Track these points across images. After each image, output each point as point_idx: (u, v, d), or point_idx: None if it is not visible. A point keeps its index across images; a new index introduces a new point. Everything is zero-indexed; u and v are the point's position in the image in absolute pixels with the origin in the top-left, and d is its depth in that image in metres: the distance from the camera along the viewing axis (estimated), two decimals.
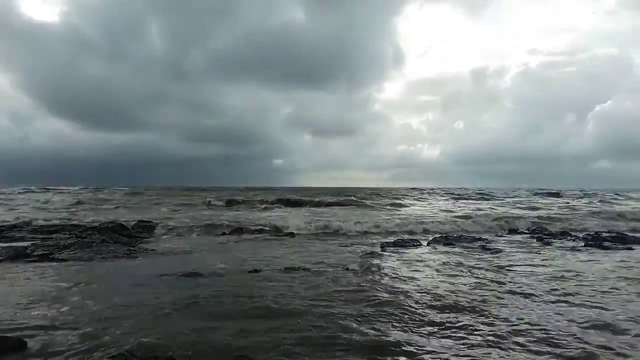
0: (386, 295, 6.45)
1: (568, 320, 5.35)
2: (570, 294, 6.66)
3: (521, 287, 7.14)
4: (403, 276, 7.91)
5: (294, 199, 31.59)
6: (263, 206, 28.07)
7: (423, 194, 47.44)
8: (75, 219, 18.25)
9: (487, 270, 8.59)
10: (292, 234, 14.94)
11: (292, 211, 24.80)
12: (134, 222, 16.28)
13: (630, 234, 14.68)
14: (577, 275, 8.16)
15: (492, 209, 29.94)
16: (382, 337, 4.73)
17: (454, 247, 11.84)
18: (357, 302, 6.09)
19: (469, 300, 6.21)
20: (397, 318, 5.40)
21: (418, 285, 7.15)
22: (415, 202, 36.60)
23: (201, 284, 7.15)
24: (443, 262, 9.44)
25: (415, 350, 4.41)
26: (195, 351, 4.29)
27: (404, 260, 9.77)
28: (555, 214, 22.99)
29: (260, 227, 16.40)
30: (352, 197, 34.76)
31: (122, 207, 28.28)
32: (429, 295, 6.46)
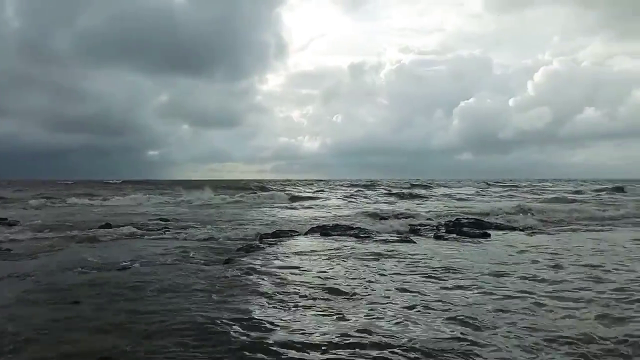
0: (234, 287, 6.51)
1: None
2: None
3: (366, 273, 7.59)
4: (260, 268, 7.92)
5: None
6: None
7: (304, 185, 48.36)
8: None
9: (351, 258, 8.98)
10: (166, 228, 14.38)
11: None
12: None
13: (486, 220, 16.15)
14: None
15: (373, 198, 31.40)
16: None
17: (328, 237, 12.19)
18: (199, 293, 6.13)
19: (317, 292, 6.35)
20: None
21: (270, 276, 7.27)
22: (299, 192, 37.25)
23: (54, 285, 6.64)
24: (309, 251, 9.69)
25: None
26: (43, 353, 3.98)
27: (275, 252, 9.79)
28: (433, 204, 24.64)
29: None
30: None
31: None
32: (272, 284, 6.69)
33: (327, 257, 9.03)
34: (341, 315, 5.22)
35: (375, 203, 28.26)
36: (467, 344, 4.34)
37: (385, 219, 17.91)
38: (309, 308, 5.53)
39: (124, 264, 8.28)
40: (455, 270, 7.78)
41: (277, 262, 8.51)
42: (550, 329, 4.73)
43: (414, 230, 13.97)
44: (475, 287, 6.58)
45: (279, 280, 6.97)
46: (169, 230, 13.71)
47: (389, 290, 6.42)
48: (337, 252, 9.67)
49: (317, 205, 26.87)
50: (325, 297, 6.01)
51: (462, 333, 4.64)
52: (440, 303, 5.70)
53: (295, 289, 6.43)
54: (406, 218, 17.76)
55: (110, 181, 68.02)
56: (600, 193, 36.72)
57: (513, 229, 14.31)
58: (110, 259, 8.76)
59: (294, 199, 30.83)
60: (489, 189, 46.06)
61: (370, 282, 6.92)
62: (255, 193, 34.15)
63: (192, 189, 34.08)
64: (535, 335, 4.57)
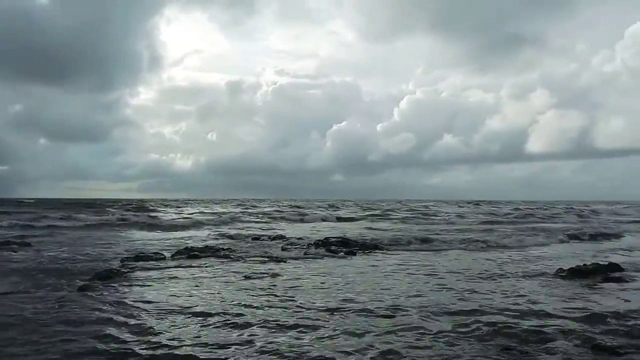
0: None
1: None
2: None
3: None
4: (108, 297, 7.44)
5: None
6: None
7: (174, 204, 46.62)
8: None
9: (213, 282, 8.84)
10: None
11: None
12: None
13: (353, 239, 16.81)
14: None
15: (247, 218, 31.16)
16: None
17: (196, 259, 11.83)
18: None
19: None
20: None
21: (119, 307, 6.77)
22: (168, 212, 35.85)
23: None
24: (170, 277, 9.34)
25: None
26: None
27: (134, 277, 9.25)
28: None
29: None
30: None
31: None
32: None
33: (188, 283, 8.75)
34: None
35: (250, 222, 28.17)
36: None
37: (257, 239, 17.92)
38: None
39: None
40: (298, 288, 8.18)
41: (129, 290, 8.04)
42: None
43: (285, 250, 14.15)
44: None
45: (119, 312, 6.45)
46: (17, 253, 12.40)
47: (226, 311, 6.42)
48: (200, 276, 9.46)
49: (187, 226, 26.02)
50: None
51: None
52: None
53: (137, 316, 6.09)
54: (280, 238, 17.93)
55: None
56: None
57: (376, 247, 15.06)
58: None
59: (162, 219, 29.52)
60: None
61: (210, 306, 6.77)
62: (120, 213, 32.18)
63: (48, 208, 31.28)
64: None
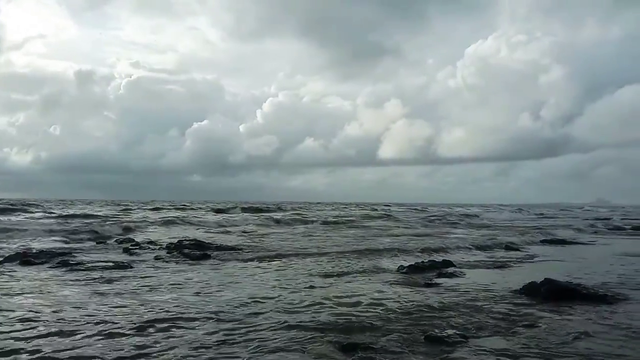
0: None
1: None
2: None
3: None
4: None
5: None
6: None
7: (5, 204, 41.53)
8: None
9: (44, 293, 7.91)
10: None
11: None
12: None
13: (208, 242, 16.37)
14: None
15: (93, 219, 28.88)
16: None
17: (29, 266, 10.63)
18: None
19: None
20: None
21: None
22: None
23: None
24: None
25: None
26: None
27: None
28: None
29: None
30: None
31: None
32: None
33: (7, 294, 7.69)
34: None
35: (96, 224, 26.06)
36: None
37: (104, 242, 16.70)
38: None
39: None
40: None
41: None
42: None
43: (134, 254, 13.38)
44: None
45: None
46: None
47: None
48: (25, 285, 8.49)
49: (24, 229, 23.32)
50: None
51: None
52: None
53: None
54: (129, 242, 16.85)
55: None
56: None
57: (232, 249, 14.86)
58: None
59: None
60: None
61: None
62: None
63: None
64: None
